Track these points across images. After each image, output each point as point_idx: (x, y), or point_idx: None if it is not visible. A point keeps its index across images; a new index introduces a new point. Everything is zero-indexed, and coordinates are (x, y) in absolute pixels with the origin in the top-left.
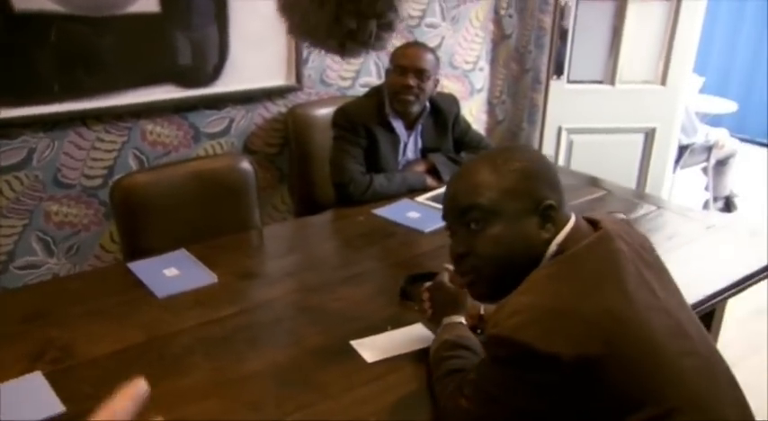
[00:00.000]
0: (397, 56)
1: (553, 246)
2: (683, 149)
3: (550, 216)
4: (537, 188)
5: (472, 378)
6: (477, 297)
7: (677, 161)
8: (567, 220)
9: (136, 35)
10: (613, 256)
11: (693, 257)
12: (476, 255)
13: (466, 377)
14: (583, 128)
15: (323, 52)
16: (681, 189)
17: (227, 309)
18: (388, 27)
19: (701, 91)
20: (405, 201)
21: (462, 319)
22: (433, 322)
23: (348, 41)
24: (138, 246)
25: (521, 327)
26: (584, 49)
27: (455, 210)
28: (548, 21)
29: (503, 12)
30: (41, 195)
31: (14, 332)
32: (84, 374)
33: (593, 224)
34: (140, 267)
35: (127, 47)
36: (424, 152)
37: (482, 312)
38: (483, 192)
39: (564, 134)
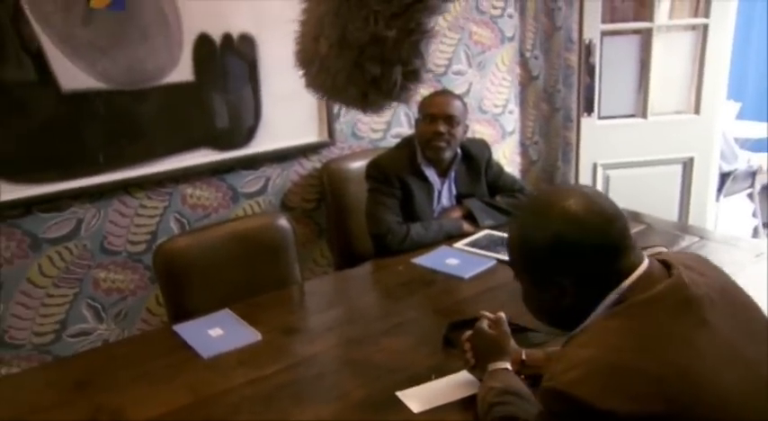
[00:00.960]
0: (425, 105)
1: (613, 295)
2: (724, 177)
3: (566, 291)
4: (559, 264)
5: None
6: None
7: (720, 189)
8: (638, 264)
9: (173, 104)
10: (684, 307)
11: (743, 287)
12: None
13: None
14: (618, 163)
15: (344, 108)
16: (727, 217)
17: (271, 367)
18: (413, 76)
19: (739, 116)
20: (443, 249)
21: (508, 365)
22: (477, 369)
23: (371, 91)
24: (182, 308)
25: (577, 383)
26: (613, 84)
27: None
28: (574, 59)
29: (528, 54)
30: (90, 263)
31: (67, 400)
32: None
33: (669, 266)
34: (185, 329)
35: (165, 115)
36: (459, 198)
37: (524, 357)
38: (513, 251)
39: (600, 170)
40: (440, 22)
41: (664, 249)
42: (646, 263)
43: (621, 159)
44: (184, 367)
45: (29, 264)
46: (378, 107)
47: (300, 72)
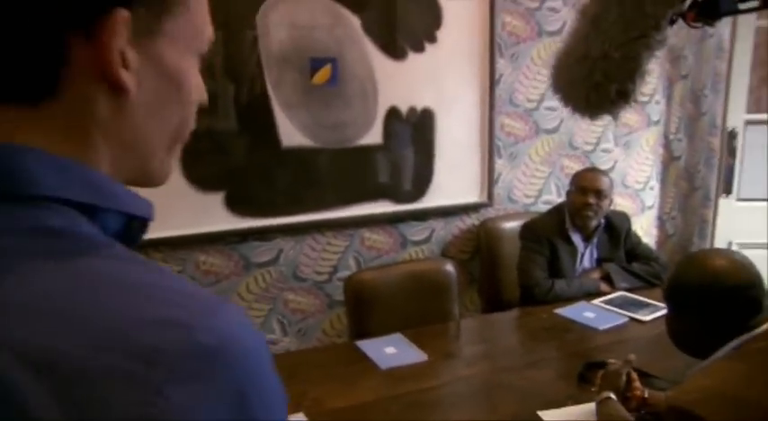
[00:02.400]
0: (578, 178)
1: (735, 342)
2: None
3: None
4: (699, 307)
5: None
6: None
7: None
8: (763, 322)
9: (363, 161)
10: None
11: None
12: None
13: None
14: (754, 243)
15: (570, 111)
16: None
17: (435, 381)
18: (624, 96)
19: None
20: (582, 304)
21: (612, 395)
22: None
23: (592, 95)
24: (362, 328)
25: (696, 403)
26: (754, 168)
27: None
28: (716, 143)
29: (672, 136)
30: (283, 286)
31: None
32: (332, 419)
33: None
34: (365, 345)
35: (356, 170)
36: (599, 262)
37: (646, 395)
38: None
39: (735, 248)
40: None
41: None
42: None
43: (757, 240)
44: (365, 374)
45: (240, 282)
46: (593, 113)
47: (552, 81)
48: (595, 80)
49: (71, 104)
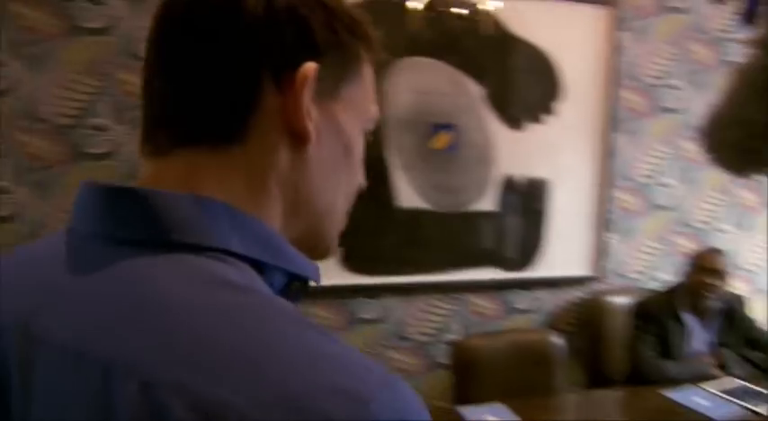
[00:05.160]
0: (700, 258)
1: None
2: None
3: None
4: None
5: None
6: None
7: None
8: None
9: (473, 226)
10: None
11: None
12: None
13: None
14: None
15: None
16: None
17: None
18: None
19: None
20: (692, 388)
21: None
22: None
23: (748, 166)
24: (463, 394)
25: None
26: None
27: None
28: None
29: None
30: (386, 344)
31: None
32: None
33: None
34: (467, 411)
35: (466, 235)
36: (714, 345)
37: None
38: None
39: None
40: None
41: None
42: None
43: None
44: None
45: (343, 336)
46: (749, 175)
47: (703, 143)
48: (755, 146)
49: (255, 152)
